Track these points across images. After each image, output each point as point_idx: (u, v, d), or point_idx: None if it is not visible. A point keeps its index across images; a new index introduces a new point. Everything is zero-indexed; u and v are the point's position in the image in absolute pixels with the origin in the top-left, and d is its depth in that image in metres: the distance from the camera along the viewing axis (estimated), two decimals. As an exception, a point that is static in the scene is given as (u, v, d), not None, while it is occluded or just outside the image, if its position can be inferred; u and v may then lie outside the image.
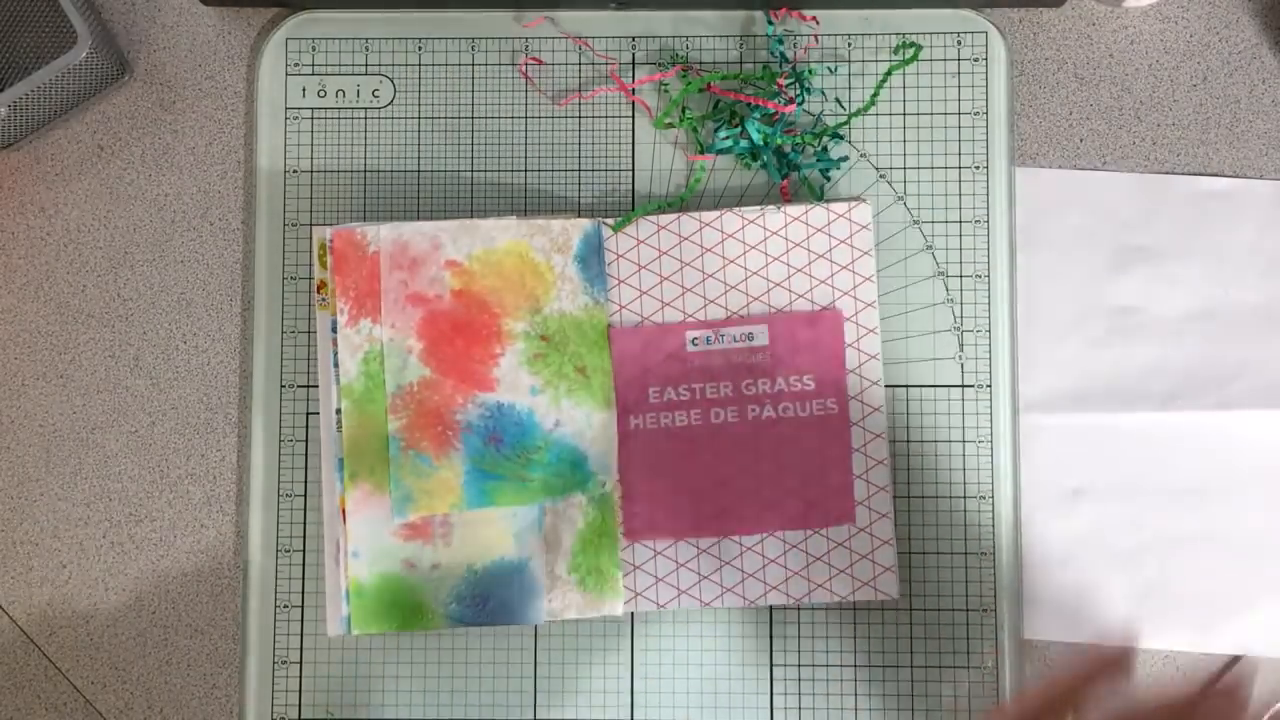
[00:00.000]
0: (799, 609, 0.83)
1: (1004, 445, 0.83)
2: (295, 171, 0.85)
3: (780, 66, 0.84)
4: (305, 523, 0.84)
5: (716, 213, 0.83)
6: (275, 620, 0.83)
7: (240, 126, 0.87)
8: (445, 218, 0.85)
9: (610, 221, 0.83)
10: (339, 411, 0.80)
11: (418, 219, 0.85)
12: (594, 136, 0.85)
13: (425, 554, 0.80)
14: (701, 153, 0.84)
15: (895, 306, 0.84)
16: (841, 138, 0.84)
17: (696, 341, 0.82)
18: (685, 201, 0.84)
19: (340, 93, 0.86)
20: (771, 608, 0.83)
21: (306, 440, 0.84)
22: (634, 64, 0.86)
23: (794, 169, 0.84)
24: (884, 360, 0.83)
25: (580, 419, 0.81)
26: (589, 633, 0.83)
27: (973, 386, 0.84)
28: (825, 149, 0.84)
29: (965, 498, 0.83)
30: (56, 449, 0.86)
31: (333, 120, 0.86)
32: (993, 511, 0.83)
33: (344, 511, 0.80)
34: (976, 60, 0.85)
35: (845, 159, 0.84)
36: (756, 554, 0.82)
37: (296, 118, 0.86)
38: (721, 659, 0.83)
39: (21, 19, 0.85)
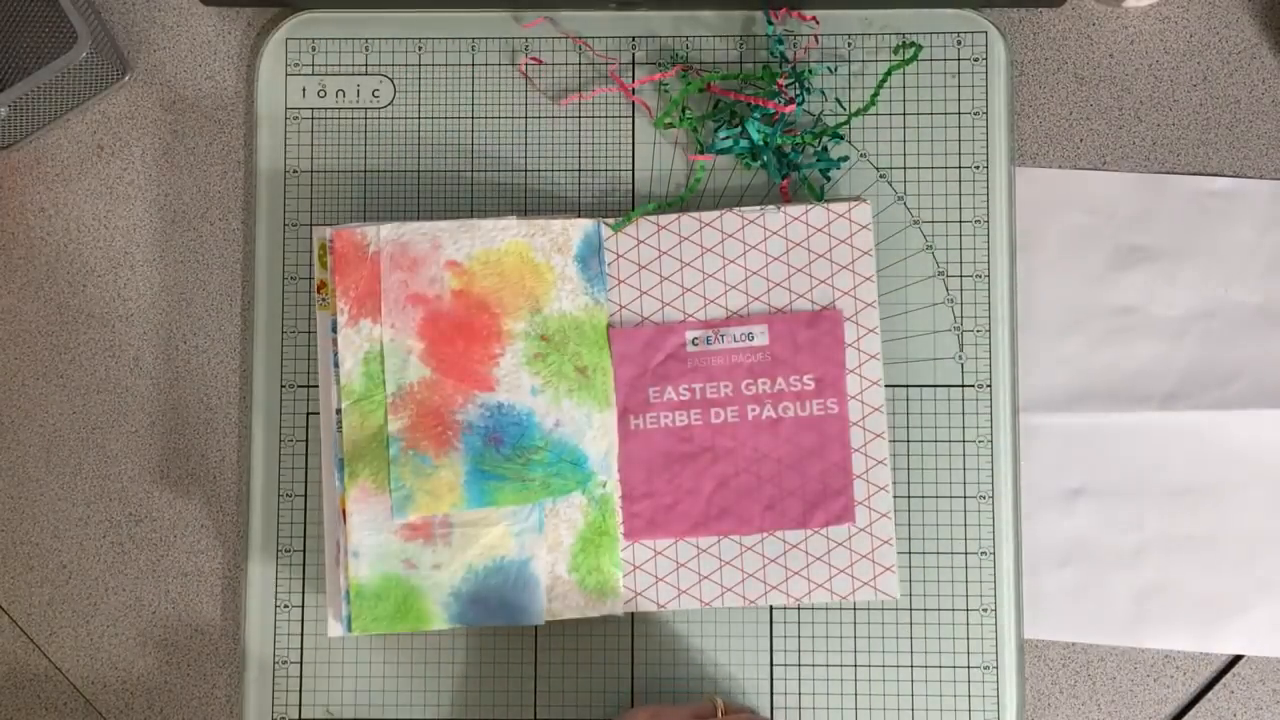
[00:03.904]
0: (799, 609, 0.83)
1: (1004, 445, 0.83)
2: (295, 171, 0.85)
3: (780, 66, 0.84)
4: (305, 523, 0.84)
5: (716, 213, 0.83)
6: (275, 620, 0.83)
7: (240, 126, 0.87)
8: (445, 218, 0.85)
9: (610, 221, 0.83)
10: (339, 411, 0.80)
11: (418, 219, 0.85)
12: (594, 136, 0.85)
13: (425, 554, 0.80)
14: (701, 153, 0.84)
15: (895, 306, 0.84)
16: (841, 138, 0.84)
17: (696, 341, 0.82)
18: (685, 201, 0.84)
19: (340, 93, 0.86)
20: (771, 608, 0.83)
21: (306, 440, 0.84)
22: (634, 64, 0.86)
23: (794, 169, 0.84)
24: (884, 360, 0.83)
25: (580, 419, 0.81)
26: (589, 633, 0.83)
27: (973, 386, 0.84)
28: (825, 149, 0.84)
29: (965, 498, 0.83)
30: (56, 449, 0.86)
31: (333, 120, 0.86)
32: (993, 511, 0.83)
33: (344, 511, 0.80)
34: (976, 60, 0.85)
35: (845, 159, 0.84)
36: (756, 554, 0.82)
37: (296, 118, 0.86)
38: (721, 659, 0.83)
39: (21, 19, 0.84)
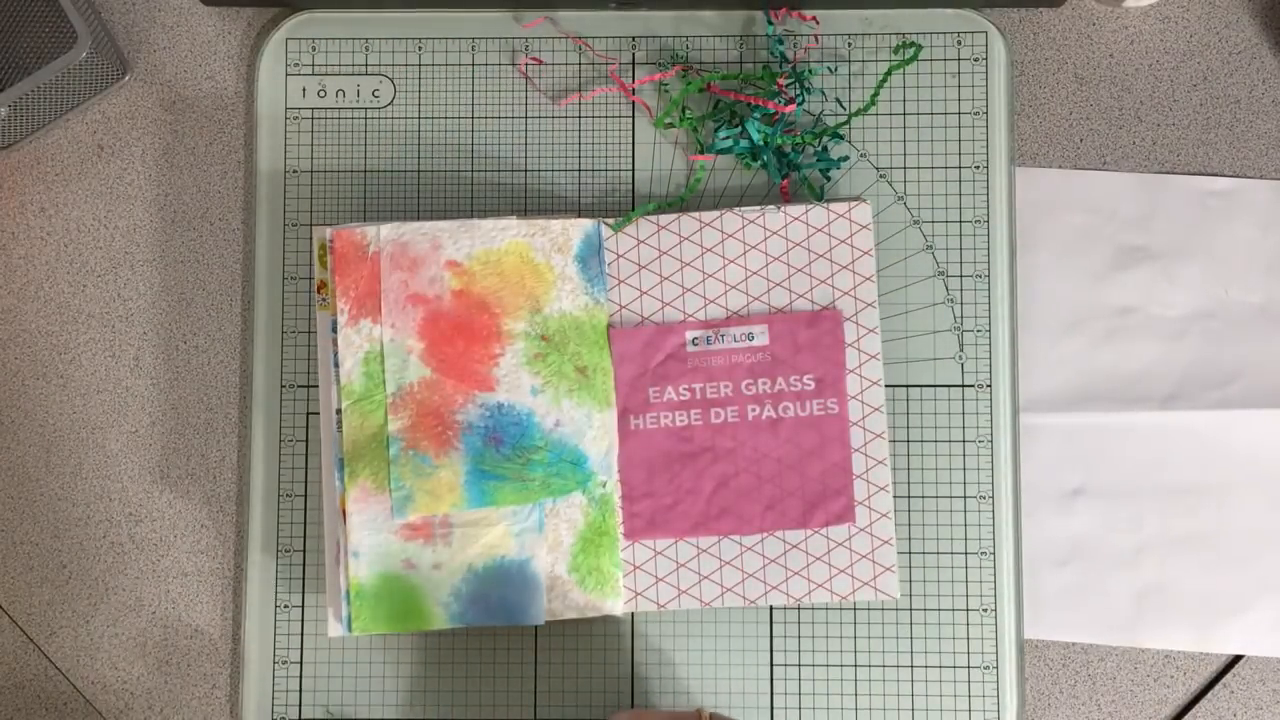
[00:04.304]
0: (799, 609, 0.83)
1: (1004, 445, 0.83)
2: (295, 171, 0.85)
3: (780, 66, 0.84)
4: (305, 523, 0.84)
5: (716, 213, 0.83)
6: (275, 620, 0.83)
7: (240, 126, 0.87)
8: (445, 218, 0.85)
9: (610, 221, 0.83)
10: (339, 411, 0.80)
11: (418, 219, 0.85)
12: (594, 136, 0.85)
13: (425, 554, 0.80)
14: (701, 153, 0.84)
15: (895, 306, 0.84)
16: (841, 138, 0.84)
17: (696, 341, 0.82)
18: (685, 201, 0.84)
19: (340, 93, 0.86)
20: (771, 608, 0.83)
21: (306, 440, 0.84)
22: (634, 64, 0.86)
23: (794, 169, 0.84)
24: (884, 360, 0.83)
25: (580, 419, 0.81)
26: (589, 633, 0.83)
27: (973, 386, 0.84)
28: (825, 149, 0.84)
29: (965, 498, 0.83)
30: (56, 449, 0.86)
31: (333, 120, 0.86)
32: (993, 511, 0.83)
33: (344, 511, 0.80)
34: (976, 60, 0.85)
35: (845, 159, 0.84)
36: (756, 554, 0.82)
37: (296, 118, 0.86)
38: (721, 659, 0.83)
39: (21, 19, 0.84)
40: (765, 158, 0.83)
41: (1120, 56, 0.86)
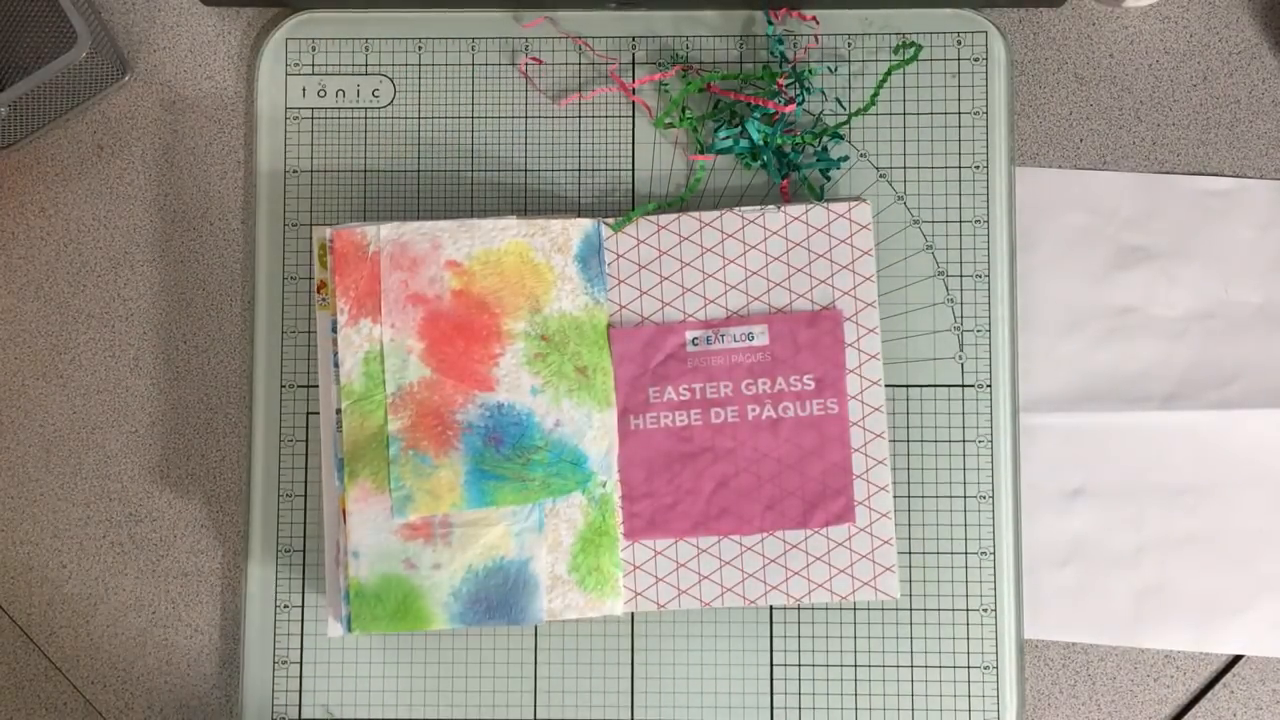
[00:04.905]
0: (799, 609, 0.83)
1: (1004, 445, 0.83)
2: (295, 171, 0.85)
3: (780, 66, 0.84)
4: (305, 523, 0.84)
5: (716, 213, 0.83)
6: (275, 620, 0.83)
7: (240, 126, 0.87)
8: (445, 218, 0.85)
9: (610, 221, 0.83)
10: (339, 411, 0.80)
11: (418, 219, 0.85)
12: (594, 136, 0.85)
13: (425, 554, 0.80)
14: (701, 153, 0.84)
15: (895, 306, 0.84)
16: (841, 138, 0.84)
17: (696, 341, 0.82)
18: (685, 201, 0.84)
19: (340, 93, 0.86)
20: (771, 608, 0.83)
21: (306, 440, 0.84)
22: (634, 64, 0.86)
23: (794, 169, 0.84)
24: (884, 360, 0.83)
25: (580, 419, 0.81)
26: (589, 633, 0.83)
27: (973, 386, 0.84)
28: (825, 149, 0.84)
29: (965, 498, 0.83)
30: (56, 449, 0.86)
31: (333, 120, 0.86)
32: (993, 511, 0.83)
33: (344, 511, 0.80)
34: (976, 60, 0.85)
35: (845, 159, 0.84)
36: (756, 554, 0.82)
37: (296, 118, 0.86)
38: (721, 659, 0.83)
39: (21, 19, 0.85)
40: (765, 158, 0.83)
41: (1120, 56, 0.86)
